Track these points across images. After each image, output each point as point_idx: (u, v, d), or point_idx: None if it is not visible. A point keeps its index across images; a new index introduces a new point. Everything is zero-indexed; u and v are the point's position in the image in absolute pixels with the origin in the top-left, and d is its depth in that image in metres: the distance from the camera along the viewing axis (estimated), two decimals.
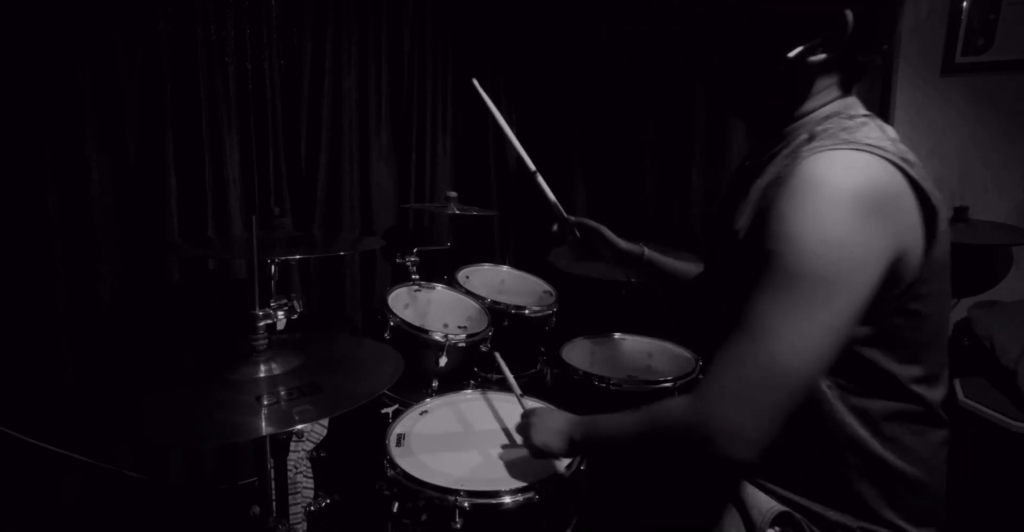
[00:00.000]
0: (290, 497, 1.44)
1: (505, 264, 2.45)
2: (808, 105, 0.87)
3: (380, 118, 2.50)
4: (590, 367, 1.80)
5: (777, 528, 0.86)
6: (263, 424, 1.00)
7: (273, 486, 1.30)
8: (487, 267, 2.40)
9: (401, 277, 2.15)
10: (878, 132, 0.81)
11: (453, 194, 2.22)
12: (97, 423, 1.05)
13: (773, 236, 0.74)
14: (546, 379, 2.02)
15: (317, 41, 2.26)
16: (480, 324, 1.94)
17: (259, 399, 1.06)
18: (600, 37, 2.68)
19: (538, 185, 1.35)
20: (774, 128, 0.90)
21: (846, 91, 0.88)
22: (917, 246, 0.76)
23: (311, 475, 1.68)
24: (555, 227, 1.34)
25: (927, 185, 0.77)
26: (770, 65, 0.86)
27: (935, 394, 0.86)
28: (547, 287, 2.28)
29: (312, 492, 1.66)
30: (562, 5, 2.77)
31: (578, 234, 1.34)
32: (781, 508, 0.86)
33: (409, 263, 2.13)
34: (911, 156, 0.80)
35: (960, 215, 2.31)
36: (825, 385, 0.82)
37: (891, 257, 0.74)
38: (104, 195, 1.81)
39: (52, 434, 1.68)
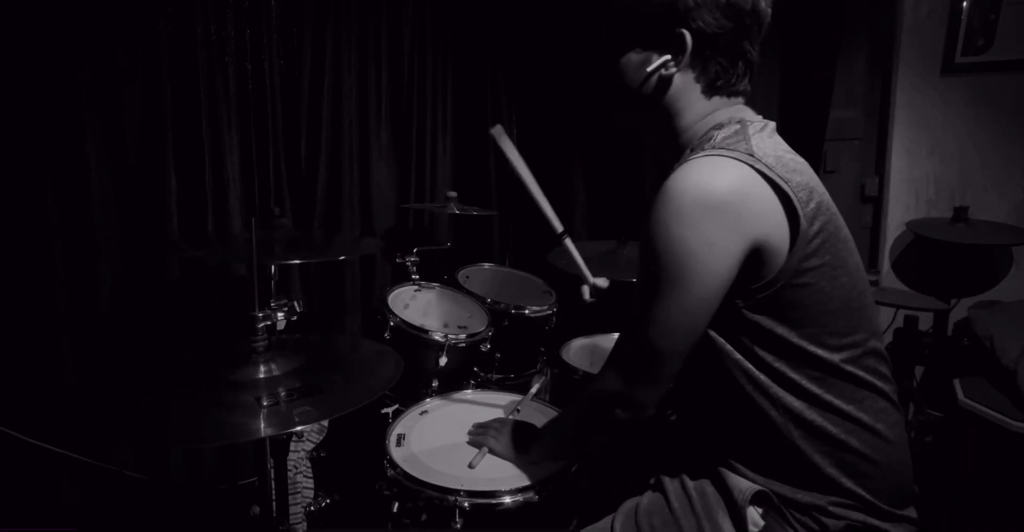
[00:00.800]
0: (290, 497, 1.44)
1: (505, 264, 2.45)
2: (685, 118, 0.96)
3: (380, 118, 2.50)
4: (590, 367, 1.80)
5: (759, 508, 0.91)
6: (262, 425, 1.00)
7: (273, 486, 1.30)
8: (487, 267, 2.40)
9: (401, 277, 2.15)
10: (739, 135, 0.89)
11: (453, 194, 2.22)
12: (97, 423, 1.05)
13: (640, 240, 0.90)
14: (546, 379, 2.02)
15: (317, 41, 2.26)
16: (480, 324, 1.95)
17: (259, 400, 1.06)
18: (600, 37, 2.68)
19: (567, 248, 1.35)
20: (672, 144, 0.99)
21: (720, 96, 0.95)
22: (780, 232, 0.83)
23: (311, 475, 1.68)
24: (586, 294, 1.38)
25: (773, 174, 0.83)
26: (629, 77, 0.96)
27: (858, 364, 0.90)
28: (547, 287, 2.28)
29: (312, 492, 1.66)
30: (562, 5, 2.77)
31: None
32: (757, 487, 0.91)
33: (409, 263, 2.13)
34: (769, 150, 0.87)
35: (960, 215, 2.31)
36: (753, 365, 0.89)
37: (744, 247, 0.82)
38: (104, 195, 1.81)
39: (52, 434, 1.68)
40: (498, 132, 1.34)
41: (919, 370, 2.47)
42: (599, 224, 2.84)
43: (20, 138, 1.66)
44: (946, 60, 2.45)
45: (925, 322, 2.42)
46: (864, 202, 2.71)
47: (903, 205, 2.60)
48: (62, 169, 1.73)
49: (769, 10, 0.92)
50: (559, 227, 1.35)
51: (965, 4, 2.40)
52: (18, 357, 1.68)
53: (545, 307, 2.07)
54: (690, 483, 0.97)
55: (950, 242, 2.26)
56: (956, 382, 1.91)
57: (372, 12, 2.40)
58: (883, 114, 2.61)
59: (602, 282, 1.37)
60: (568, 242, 1.36)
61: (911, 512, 0.93)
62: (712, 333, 0.90)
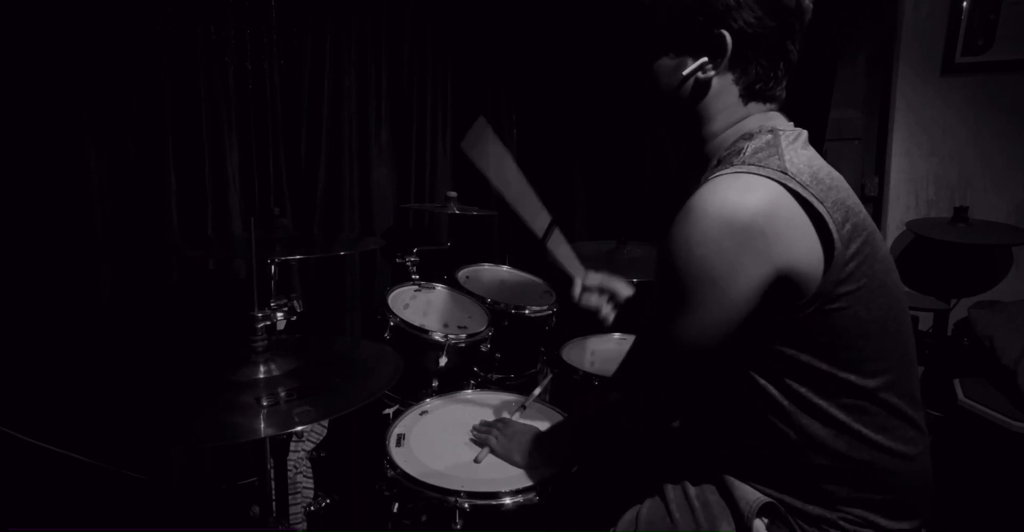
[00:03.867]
0: (290, 497, 1.44)
1: (505, 264, 2.45)
2: (716, 124, 0.91)
3: (380, 118, 2.50)
4: (590, 367, 1.80)
5: (765, 519, 0.88)
6: (262, 425, 1.00)
7: (273, 486, 1.30)
8: (487, 267, 2.40)
9: (401, 277, 2.15)
10: (771, 147, 0.84)
11: (453, 194, 2.22)
12: (97, 423, 1.05)
13: (661, 253, 0.85)
14: (551, 378, 2.02)
15: (317, 41, 2.26)
16: (480, 324, 1.94)
17: (259, 400, 1.06)
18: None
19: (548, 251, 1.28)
20: (697, 151, 0.95)
21: (756, 102, 0.91)
22: (813, 257, 0.79)
23: (311, 475, 1.68)
24: (575, 294, 1.31)
25: (807, 193, 0.78)
26: (663, 82, 0.92)
27: (892, 391, 0.86)
28: (547, 287, 2.28)
29: (312, 492, 1.66)
30: (563, 5, 2.77)
31: (595, 300, 1.31)
32: (766, 499, 0.88)
33: (409, 263, 2.13)
34: (803, 166, 0.82)
35: (960, 215, 2.31)
36: (776, 391, 0.85)
37: (770, 273, 0.78)
38: (104, 195, 1.81)
39: (52, 434, 1.68)
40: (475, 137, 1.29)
41: (919, 370, 2.47)
42: (599, 224, 2.84)
43: (20, 138, 1.66)
44: (946, 60, 2.45)
45: (925, 322, 2.42)
46: (864, 202, 2.68)
47: (903, 205, 2.60)
48: (62, 169, 1.73)
49: (811, 5, 0.87)
50: (542, 227, 1.26)
51: (965, 4, 2.39)
52: (18, 357, 1.68)
53: (545, 307, 2.07)
54: (692, 490, 0.95)
55: (950, 242, 2.26)
56: (956, 382, 1.91)
57: (372, 12, 2.40)
58: (883, 114, 2.61)
59: (593, 280, 1.29)
60: (553, 242, 1.28)
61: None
62: (735, 357, 0.86)
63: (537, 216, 1.28)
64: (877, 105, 2.63)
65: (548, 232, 1.28)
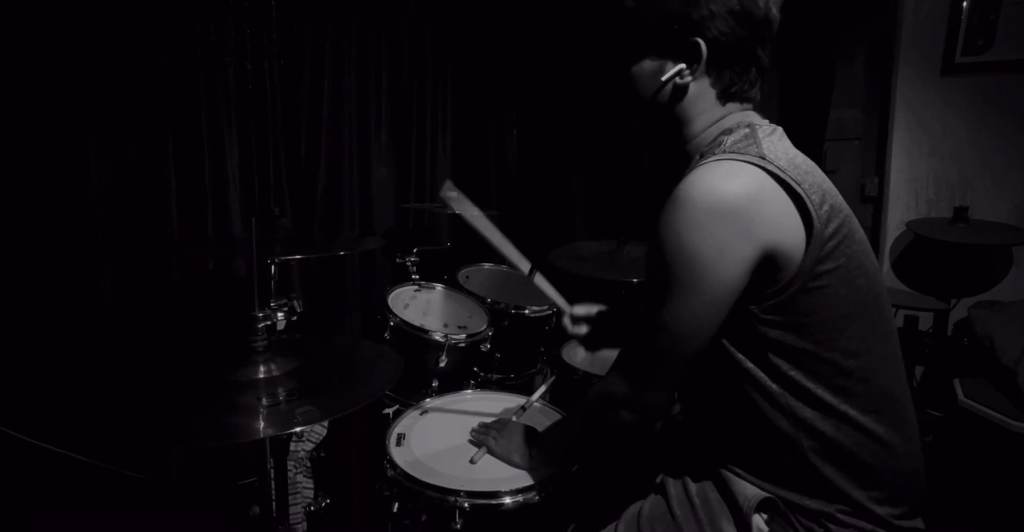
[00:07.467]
0: (290, 497, 1.44)
1: (505, 264, 2.45)
2: (697, 125, 0.96)
3: (380, 118, 2.50)
4: (590, 367, 1.80)
5: (764, 515, 0.89)
6: (262, 425, 1.01)
7: (273, 486, 1.30)
8: (487, 267, 2.40)
9: (401, 277, 2.15)
10: (749, 139, 0.88)
11: (453, 194, 2.22)
12: (97, 423, 1.05)
13: (649, 245, 0.88)
14: (553, 380, 2.01)
15: (317, 41, 2.26)
16: (480, 324, 1.94)
17: (259, 400, 1.06)
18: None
19: (538, 285, 1.36)
20: (679, 151, 0.99)
21: (733, 103, 0.96)
22: (795, 236, 0.82)
23: (311, 475, 1.68)
24: (568, 327, 1.35)
25: (786, 176, 0.82)
26: (642, 86, 0.96)
27: (877, 372, 0.87)
28: None
29: (312, 492, 1.66)
30: (567, 8, 2.77)
31: (583, 330, 1.34)
32: (764, 494, 0.89)
33: (409, 263, 2.14)
34: (780, 153, 0.86)
35: (960, 215, 2.31)
36: (764, 373, 0.87)
37: (756, 252, 0.81)
38: (104, 195, 1.81)
39: (52, 434, 1.68)
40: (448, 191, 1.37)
41: (919, 370, 2.47)
42: (599, 224, 2.84)
43: (21, 138, 1.66)
44: (946, 60, 2.45)
45: (925, 322, 2.42)
46: (864, 202, 2.71)
47: (903, 205, 2.60)
48: (62, 169, 1.73)
49: (779, 16, 0.93)
50: (526, 268, 1.36)
51: (965, 4, 2.39)
52: (18, 357, 1.68)
53: (545, 307, 2.07)
54: (692, 487, 0.96)
55: (950, 242, 2.27)
56: (956, 382, 1.91)
57: (372, 12, 2.40)
58: (883, 114, 2.61)
59: (581, 310, 1.34)
60: (538, 279, 1.37)
61: (919, 523, 0.91)
62: (724, 340, 0.88)
63: (520, 260, 1.40)
64: (877, 105, 2.63)
65: (531, 273, 1.39)
